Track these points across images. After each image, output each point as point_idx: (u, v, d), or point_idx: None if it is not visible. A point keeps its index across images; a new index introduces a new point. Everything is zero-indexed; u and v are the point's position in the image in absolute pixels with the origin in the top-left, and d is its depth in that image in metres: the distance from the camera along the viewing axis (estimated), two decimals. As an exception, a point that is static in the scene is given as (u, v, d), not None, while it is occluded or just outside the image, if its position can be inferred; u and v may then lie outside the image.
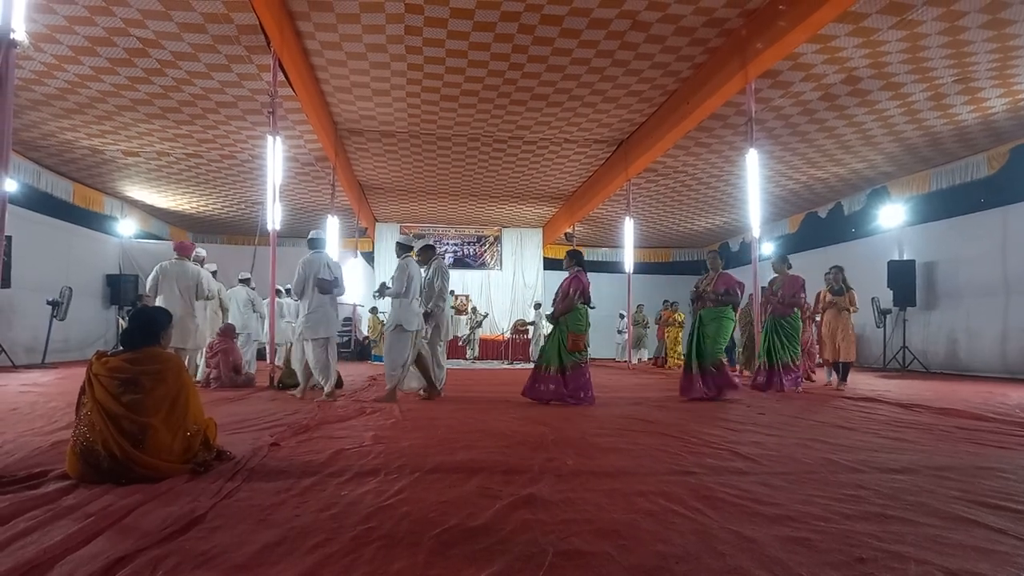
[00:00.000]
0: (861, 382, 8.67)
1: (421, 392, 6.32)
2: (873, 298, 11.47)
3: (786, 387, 7.22)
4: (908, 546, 1.86)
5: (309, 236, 6.38)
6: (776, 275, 7.82)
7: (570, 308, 5.91)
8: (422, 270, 6.40)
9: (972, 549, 1.84)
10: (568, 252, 6.32)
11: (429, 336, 6.40)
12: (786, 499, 2.38)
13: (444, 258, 18.69)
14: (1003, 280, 10.00)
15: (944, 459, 3.25)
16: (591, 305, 6.09)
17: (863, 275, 10.67)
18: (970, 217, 10.74)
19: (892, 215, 12.57)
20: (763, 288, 8.12)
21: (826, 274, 8.09)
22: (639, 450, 3.44)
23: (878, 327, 11.72)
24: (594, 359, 16.03)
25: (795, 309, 7.50)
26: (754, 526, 2.04)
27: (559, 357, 5.87)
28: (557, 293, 6.17)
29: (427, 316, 6.30)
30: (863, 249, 12.93)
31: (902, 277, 11.11)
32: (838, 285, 7.90)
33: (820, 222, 14.46)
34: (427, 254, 6.50)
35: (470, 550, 1.81)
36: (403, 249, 6.38)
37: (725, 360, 6.46)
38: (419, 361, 6.16)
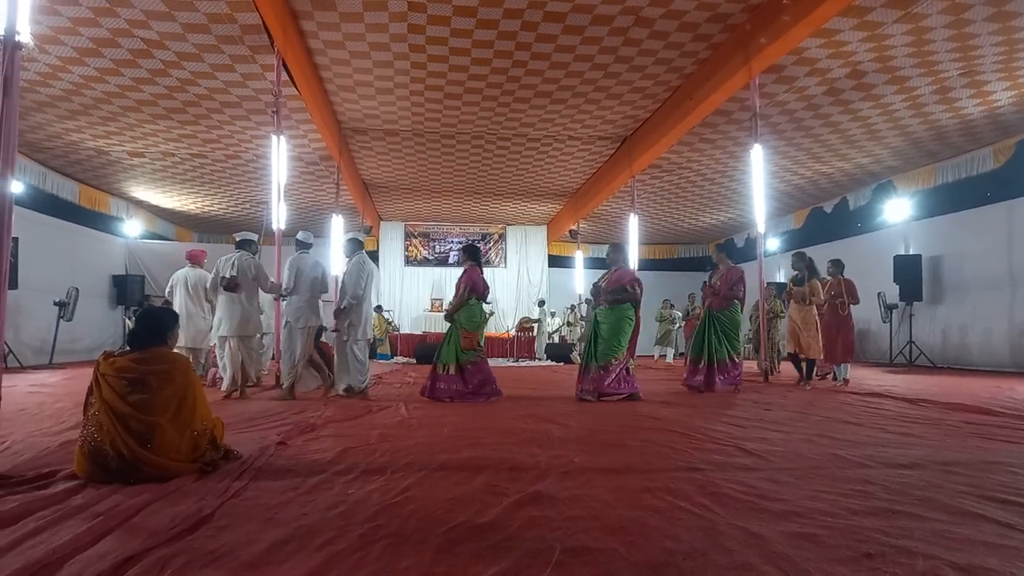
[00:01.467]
0: (868, 377, 8.64)
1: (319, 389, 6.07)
2: (879, 293, 11.42)
3: (719, 386, 6.68)
4: (916, 541, 1.85)
5: (237, 239, 6.40)
6: (718, 267, 7.35)
7: (461, 305, 5.88)
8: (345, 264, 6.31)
9: (981, 544, 1.84)
10: (462, 248, 6.32)
11: (347, 334, 6.04)
12: (793, 495, 2.38)
13: (449, 257, 18.72)
14: (1009, 274, 9.94)
15: (952, 454, 3.24)
16: (487, 301, 6.10)
17: (869, 270, 10.62)
18: (976, 211, 10.67)
19: (898, 209, 12.50)
20: (704, 282, 7.63)
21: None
22: (645, 447, 3.44)
23: (884, 322, 11.69)
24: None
25: (734, 302, 6.95)
26: (761, 522, 2.04)
27: (456, 355, 5.84)
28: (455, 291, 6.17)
29: (339, 312, 5.99)
30: (869, 244, 12.87)
31: (908, 272, 11.06)
32: (800, 274, 7.34)
33: (825, 217, 14.39)
34: (350, 248, 6.26)
35: (477, 547, 1.81)
36: (300, 245, 6.36)
37: (623, 360, 5.94)
38: (311, 359, 6.15)
